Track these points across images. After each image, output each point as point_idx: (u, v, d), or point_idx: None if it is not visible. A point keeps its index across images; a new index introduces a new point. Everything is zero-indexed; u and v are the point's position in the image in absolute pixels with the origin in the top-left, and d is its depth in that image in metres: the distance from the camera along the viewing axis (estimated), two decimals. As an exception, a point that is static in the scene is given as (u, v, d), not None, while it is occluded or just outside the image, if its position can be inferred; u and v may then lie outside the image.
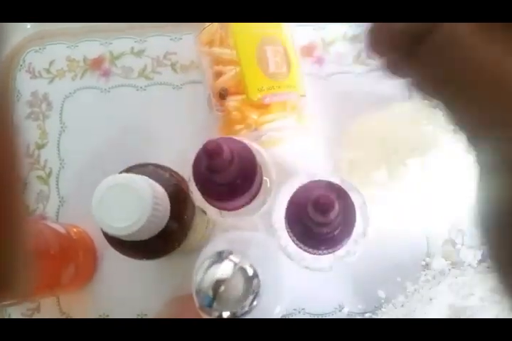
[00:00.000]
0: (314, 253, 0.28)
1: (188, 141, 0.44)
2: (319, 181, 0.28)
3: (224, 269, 0.24)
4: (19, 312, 0.43)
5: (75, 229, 0.42)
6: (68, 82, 0.46)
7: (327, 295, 0.41)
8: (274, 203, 0.30)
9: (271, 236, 0.33)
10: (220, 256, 0.25)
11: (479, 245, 0.42)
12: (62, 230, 0.39)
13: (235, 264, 0.24)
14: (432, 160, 0.39)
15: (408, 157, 0.39)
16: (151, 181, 0.30)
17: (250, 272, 0.24)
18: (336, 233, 0.26)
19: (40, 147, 0.45)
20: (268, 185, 0.32)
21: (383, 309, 0.41)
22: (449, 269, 0.41)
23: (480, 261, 0.41)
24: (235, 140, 0.28)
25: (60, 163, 0.45)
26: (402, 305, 0.41)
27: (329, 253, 0.28)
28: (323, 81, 0.45)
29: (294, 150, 0.43)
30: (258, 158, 0.30)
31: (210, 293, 0.24)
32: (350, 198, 0.27)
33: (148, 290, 0.42)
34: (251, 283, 0.25)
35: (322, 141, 0.44)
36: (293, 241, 0.28)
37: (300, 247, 0.28)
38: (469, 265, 0.41)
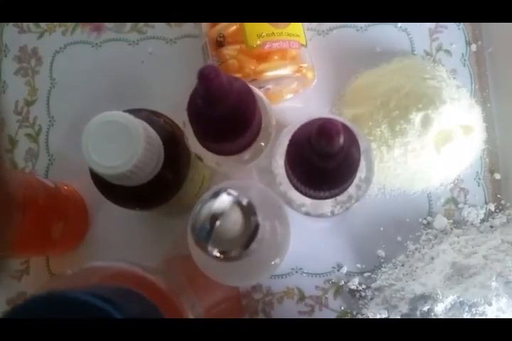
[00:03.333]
0: (315, 197, 0.27)
1: (182, 97, 0.43)
2: (321, 118, 0.26)
3: (222, 201, 0.22)
4: (7, 274, 0.41)
5: (65, 187, 0.40)
6: (58, 37, 0.44)
7: (325, 254, 0.40)
8: (274, 149, 0.29)
9: (269, 186, 0.31)
10: (218, 192, 0.23)
11: (482, 204, 0.41)
12: (51, 185, 0.37)
13: (233, 197, 0.23)
14: (434, 115, 0.38)
15: (410, 112, 0.38)
16: (144, 124, 0.29)
17: (249, 208, 0.23)
18: (339, 171, 0.25)
19: (29, 104, 0.44)
20: (268, 130, 0.30)
21: (383, 268, 0.40)
22: (451, 228, 0.40)
23: (482, 220, 0.40)
24: (233, 76, 0.27)
25: (50, 121, 0.43)
26: (403, 265, 0.40)
27: (331, 196, 0.27)
28: (323, 35, 0.43)
29: (293, 107, 0.42)
30: (258, 101, 0.29)
31: (207, 226, 0.22)
32: (354, 134, 0.25)
33: (142, 251, 0.41)
34: (249, 221, 0.23)
35: (322, 97, 0.42)
36: (293, 184, 0.27)
37: (301, 191, 0.27)
38: (472, 224, 0.40)
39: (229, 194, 0.23)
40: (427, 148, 0.39)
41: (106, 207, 0.41)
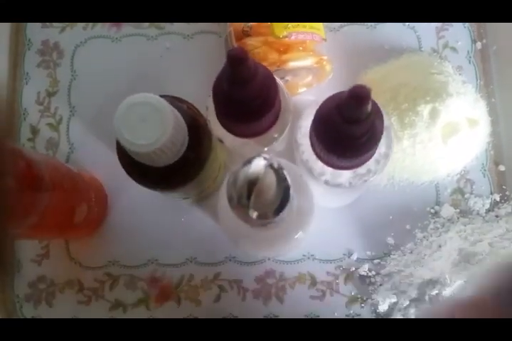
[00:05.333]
0: (337, 166, 0.28)
1: (199, 90, 0.44)
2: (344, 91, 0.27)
3: (257, 165, 0.23)
4: (29, 258, 0.42)
5: (87, 174, 0.42)
6: (79, 32, 0.46)
7: (336, 241, 0.42)
8: (299, 121, 0.31)
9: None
10: (250, 159, 0.24)
11: (488, 194, 0.42)
12: (75, 170, 0.39)
13: (267, 161, 0.24)
14: (442, 107, 0.39)
15: (418, 105, 0.40)
16: (171, 106, 0.30)
17: (280, 171, 0.24)
18: (363, 139, 0.26)
19: (50, 95, 0.45)
20: (285, 114, 0.32)
21: (392, 255, 0.41)
22: (458, 217, 0.42)
23: (488, 210, 0.42)
24: (256, 60, 0.29)
25: (71, 111, 0.45)
26: (411, 252, 0.41)
27: (351, 167, 0.29)
28: (334, 32, 0.45)
29: (306, 100, 0.44)
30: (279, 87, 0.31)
31: (245, 191, 0.23)
32: (379, 108, 0.27)
33: (159, 238, 0.42)
34: (281, 183, 0.24)
35: (334, 91, 0.44)
36: (317, 153, 0.28)
37: (323, 159, 0.28)
38: (478, 213, 0.42)
39: (262, 158, 0.24)
40: (435, 140, 0.40)
41: (125, 194, 0.43)
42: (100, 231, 0.42)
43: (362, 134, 0.26)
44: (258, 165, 0.23)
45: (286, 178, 0.24)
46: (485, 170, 0.43)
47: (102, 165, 0.43)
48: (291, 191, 0.25)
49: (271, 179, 0.23)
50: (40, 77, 0.45)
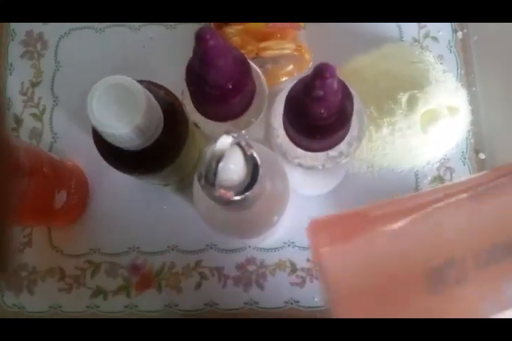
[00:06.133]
0: (309, 148, 0.29)
1: (181, 80, 0.44)
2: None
3: (222, 142, 0.23)
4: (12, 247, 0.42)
5: (69, 162, 0.42)
6: (63, 23, 0.46)
7: (317, 229, 0.42)
8: (274, 105, 0.31)
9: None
10: (218, 138, 0.24)
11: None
12: (56, 157, 0.39)
13: (233, 138, 0.24)
14: (420, 95, 0.40)
15: (397, 92, 0.40)
16: (146, 90, 0.30)
17: (248, 149, 0.24)
18: (332, 121, 0.26)
19: (34, 85, 0.45)
20: (261, 97, 0.32)
21: (372, 242, 0.41)
22: (438, 205, 0.42)
23: (468, 198, 0.42)
24: (229, 43, 0.29)
25: (54, 101, 0.45)
26: (391, 239, 0.41)
27: (323, 149, 0.29)
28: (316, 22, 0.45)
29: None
30: (252, 69, 0.31)
31: (212, 168, 0.23)
32: (350, 92, 0.27)
33: (141, 224, 0.43)
34: (250, 162, 0.24)
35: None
36: (289, 135, 0.29)
37: (296, 142, 0.28)
38: (457, 201, 0.42)
39: (228, 135, 0.24)
40: (414, 128, 0.40)
41: (106, 182, 0.43)
42: (82, 219, 0.43)
43: (330, 114, 0.26)
44: (224, 142, 0.23)
45: (254, 156, 0.24)
46: (465, 158, 0.43)
47: (84, 154, 0.43)
48: (261, 171, 0.25)
49: (237, 156, 0.24)
50: (24, 67, 0.46)
